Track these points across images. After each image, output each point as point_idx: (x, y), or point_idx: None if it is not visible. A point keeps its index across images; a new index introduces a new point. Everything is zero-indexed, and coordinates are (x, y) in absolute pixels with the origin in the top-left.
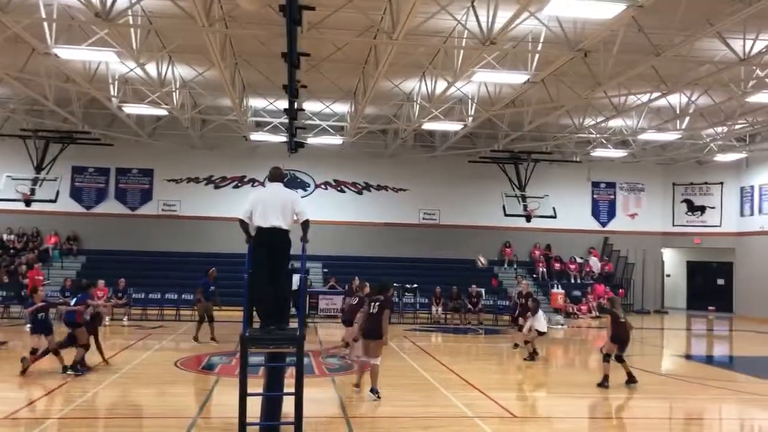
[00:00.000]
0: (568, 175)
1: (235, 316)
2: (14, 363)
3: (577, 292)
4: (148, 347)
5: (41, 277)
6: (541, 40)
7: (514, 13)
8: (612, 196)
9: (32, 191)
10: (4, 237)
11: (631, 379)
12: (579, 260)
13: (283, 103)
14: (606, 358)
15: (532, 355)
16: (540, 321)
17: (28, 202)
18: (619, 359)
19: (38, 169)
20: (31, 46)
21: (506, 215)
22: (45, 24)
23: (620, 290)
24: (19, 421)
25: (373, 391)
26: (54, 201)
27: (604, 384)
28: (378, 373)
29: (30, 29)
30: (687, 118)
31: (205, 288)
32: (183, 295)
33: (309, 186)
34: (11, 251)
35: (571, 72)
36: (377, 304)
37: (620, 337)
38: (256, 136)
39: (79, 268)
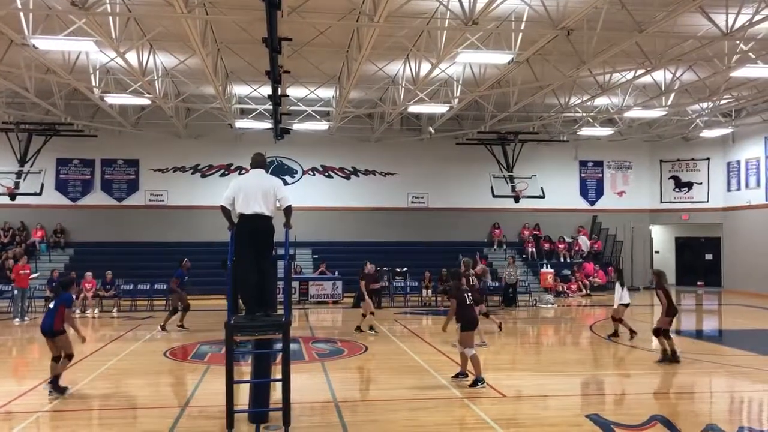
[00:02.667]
0: (555, 154)
1: (223, 304)
2: (6, 356)
3: (566, 271)
4: (138, 338)
5: (27, 271)
6: (524, 19)
7: None
8: (600, 175)
9: (17, 185)
10: None
11: (674, 357)
12: (568, 239)
13: (267, 90)
14: (662, 333)
15: (631, 333)
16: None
17: (12, 196)
18: (667, 335)
19: (22, 162)
20: (8, 38)
21: (494, 196)
22: (21, 14)
23: (609, 268)
24: (10, 414)
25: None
26: (39, 194)
27: (665, 359)
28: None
29: (6, 20)
30: (672, 95)
31: (180, 278)
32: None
33: (296, 172)
34: None
35: (555, 51)
36: (469, 295)
37: (674, 310)
38: (241, 124)
39: (67, 261)
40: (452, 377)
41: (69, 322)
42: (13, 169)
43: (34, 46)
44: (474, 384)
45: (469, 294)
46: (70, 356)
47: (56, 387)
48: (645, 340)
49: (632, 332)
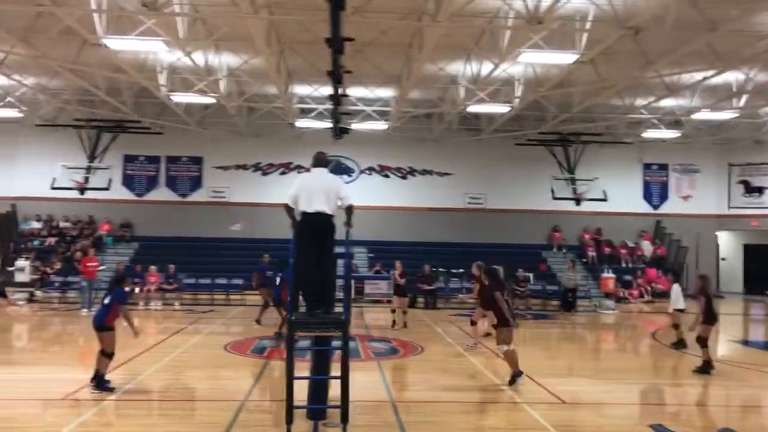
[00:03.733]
0: (618, 156)
1: None
2: (73, 345)
3: (628, 277)
4: (199, 331)
5: (95, 263)
6: (590, 18)
7: None
8: (664, 178)
9: (86, 180)
10: (61, 224)
11: (705, 366)
12: (630, 244)
13: (327, 89)
14: (703, 342)
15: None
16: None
17: (82, 190)
18: (704, 343)
19: (91, 158)
20: (82, 38)
21: (555, 198)
22: (95, 15)
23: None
24: (77, 402)
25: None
26: (107, 189)
27: (707, 370)
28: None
29: (81, 21)
30: (744, 96)
31: (262, 273)
32: (232, 280)
33: (353, 171)
34: (67, 238)
35: (621, 50)
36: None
37: (714, 318)
38: (301, 123)
39: (132, 254)
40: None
41: (124, 316)
42: (83, 164)
43: (106, 45)
44: (513, 380)
45: (504, 293)
46: (110, 355)
47: (100, 385)
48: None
49: (681, 341)
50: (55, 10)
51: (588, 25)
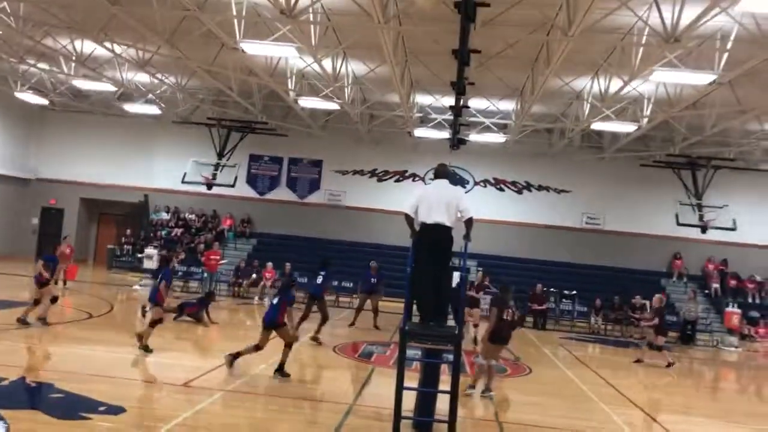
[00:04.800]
0: (751, 184)
1: (391, 307)
2: (191, 334)
3: (755, 313)
4: (309, 330)
5: (218, 257)
6: (732, 38)
7: (704, 9)
8: None
9: (214, 176)
10: (187, 216)
11: None
12: (759, 279)
13: (448, 100)
14: None
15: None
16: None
17: (209, 186)
18: None
19: (220, 155)
20: (220, 42)
21: (679, 224)
22: (235, 21)
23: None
24: (193, 389)
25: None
26: (232, 186)
27: None
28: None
29: (221, 25)
30: None
31: (364, 280)
32: (343, 283)
33: (468, 183)
34: (192, 230)
35: (764, 73)
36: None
37: None
38: (419, 132)
39: (251, 250)
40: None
41: (288, 315)
42: (212, 161)
43: (242, 50)
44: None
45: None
46: (290, 344)
47: (281, 372)
48: None
49: None
50: (199, 14)
51: (729, 45)
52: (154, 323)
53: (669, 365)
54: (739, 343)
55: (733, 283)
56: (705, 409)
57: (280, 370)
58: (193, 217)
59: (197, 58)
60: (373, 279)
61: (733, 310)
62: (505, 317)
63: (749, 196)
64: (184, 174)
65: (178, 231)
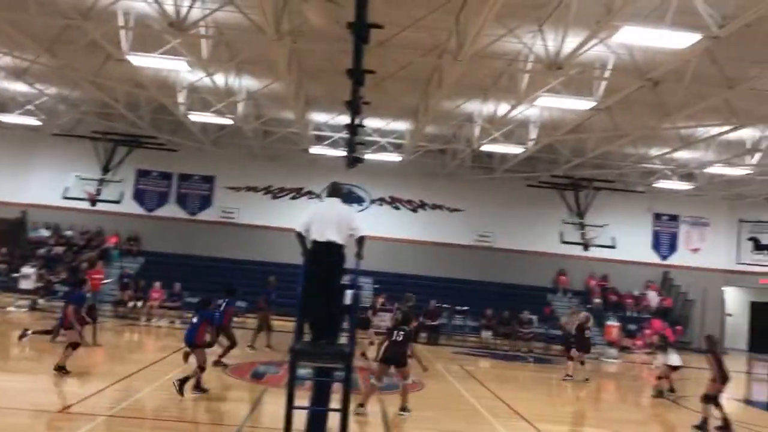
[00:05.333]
0: (629, 205)
1: (284, 326)
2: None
3: (632, 326)
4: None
5: (101, 276)
6: (610, 67)
7: (584, 39)
8: (674, 230)
9: (98, 191)
10: (68, 234)
11: (726, 426)
12: (636, 293)
13: (344, 119)
14: (709, 399)
15: (661, 392)
16: (672, 355)
17: (93, 202)
18: (717, 402)
19: (105, 170)
20: (106, 52)
21: (563, 242)
22: (122, 31)
23: (677, 327)
24: (72, 415)
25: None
26: (118, 202)
27: (704, 427)
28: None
29: (107, 36)
30: (758, 154)
31: (267, 296)
32: (237, 303)
33: (364, 201)
34: (74, 248)
35: (638, 101)
36: (402, 333)
37: (726, 377)
38: (315, 150)
39: (138, 269)
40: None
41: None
42: (97, 176)
43: (130, 62)
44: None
45: (400, 331)
46: (202, 369)
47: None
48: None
49: (660, 393)
50: (83, 24)
51: (607, 74)
52: (73, 346)
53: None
54: (618, 354)
55: (613, 298)
56: (586, 419)
57: (187, 383)
58: (74, 234)
59: (81, 69)
60: (272, 294)
61: (613, 324)
62: (394, 338)
63: (627, 216)
64: (66, 189)
65: (59, 249)
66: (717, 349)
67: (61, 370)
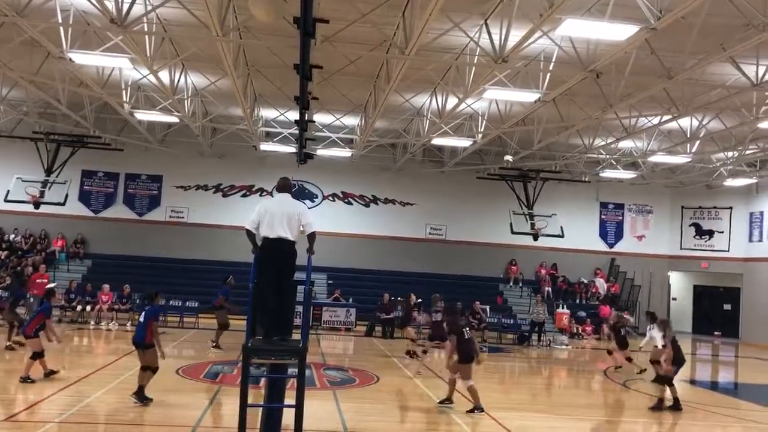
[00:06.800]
0: (576, 194)
1: (238, 325)
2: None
3: (582, 313)
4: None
5: (45, 280)
6: (553, 60)
7: (527, 32)
8: (620, 218)
9: (41, 194)
10: (11, 238)
11: (676, 405)
12: (585, 281)
13: (293, 114)
14: (663, 380)
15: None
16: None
17: (36, 205)
18: (671, 383)
19: (48, 171)
20: (46, 50)
21: (513, 233)
22: (61, 29)
23: (625, 311)
24: (19, 423)
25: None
26: (63, 204)
27: (659, 407)
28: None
29: (46, 33)
30: (697, 142)
31: (226, 296)
32: (187, 303)
33: (317, 197)
34: (18, 253)
35: (582, 92)
36: (468, 331)
37: (679, 359)
38: (265, 146)
39: (85, 272)
40: (438, 402)
41: (155, 336)
42: (40, 178)
43: (70, 59)
44: (472, 411)
45: (467, 329)
46: (155, 369)
47: (141, 397)
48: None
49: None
50: (19, 21)
51: (551, 66)
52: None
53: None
54: (569, 341)
55: (563, 286)
56: (538, 405)
57: (139, 394)
58: (18, 238)
59: (19, 68)
60: (229, 294)
61: (563, 311)
62: (467, 336)
63: (574, 206)
64: (7, 192)
65: (2, 254)
66: (670, 332)
67: (26, 380)
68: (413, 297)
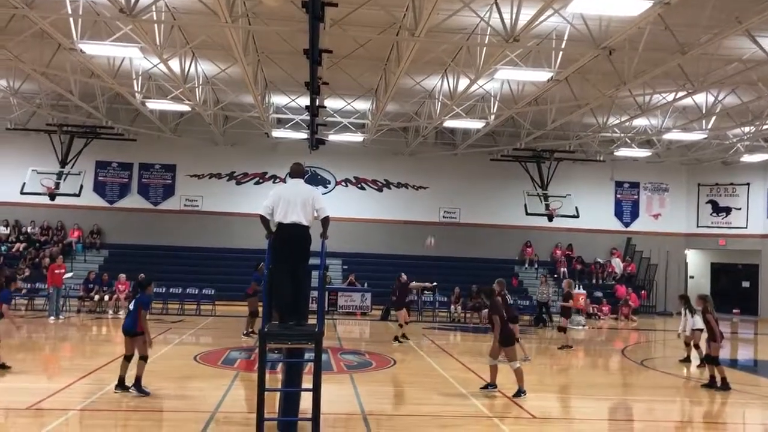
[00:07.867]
0: (591, 174)
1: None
2: (37, 354)
3: (598, 293)
4: (169, 341)
5: (63, 270)
6: (565, 38)
7: (538, 10)
8: (635, 196)
9: (56, 185)
10: (29, 230)
11: (724, 384)
12: (601, 261)
13: (304, 100)
14: (712, 360)
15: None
16: (696, 318)
17: (52, 196)
18: (718, 362)
19: (63, 163)
20: (56, 42)
21: (528, 214)
22: (71, 20)
23: (642, 292)
24: (42, 411)
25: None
26: (78, 195)
27: (713, 385)
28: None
29: (56, 25)
30: (713, 118)
31: (258, 282)
32: (204, 290)
33: (329, 183)
34: (36, 244)
35: (595, 70)
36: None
37: (721, 336)
38: (277, 133)
39: (102, 262)
40: (481, 388)
41: (144, 324)
42: (54, 170)
43: (81, 50)
44: (517, 394)
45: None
46: (145, 357)
47: (139, 388)
48: (678, 368)
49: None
50: (29, 13)
51: (563, 45)
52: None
53: (562, 347)
54: (585, 321)
55: (578, 266)
56: (556, 385)
57: (137, 385)
58: (36, 230)
59: (31, 60)
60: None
61: (579, 292)
62: None
63: (589, 185)
64: (23, 185)
65: (20, 246)
66: (712, 309)
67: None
68: (403, 276)
